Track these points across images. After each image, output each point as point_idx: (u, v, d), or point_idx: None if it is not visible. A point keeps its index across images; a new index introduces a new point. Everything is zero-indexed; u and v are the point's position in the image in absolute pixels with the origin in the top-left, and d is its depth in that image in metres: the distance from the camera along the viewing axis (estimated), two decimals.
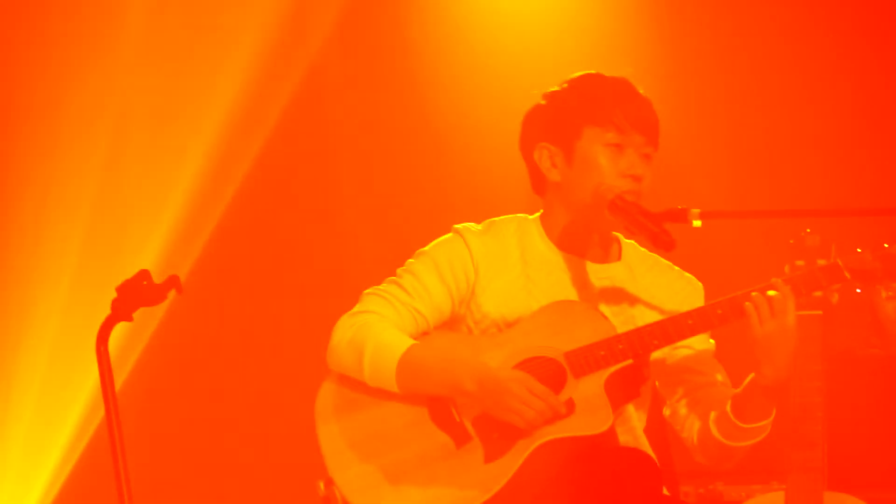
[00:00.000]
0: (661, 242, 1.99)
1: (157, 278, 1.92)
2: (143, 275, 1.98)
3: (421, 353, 1.99)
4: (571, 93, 2.07)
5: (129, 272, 1.96)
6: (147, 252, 3.55)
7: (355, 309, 2.07)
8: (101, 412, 2.24)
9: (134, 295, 1.98)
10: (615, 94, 2.06)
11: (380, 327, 2.04)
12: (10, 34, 3.54)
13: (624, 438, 2.02)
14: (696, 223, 1.98)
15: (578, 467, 1.91)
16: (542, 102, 2.10)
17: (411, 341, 2.00)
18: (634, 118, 2.01)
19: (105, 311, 1.91)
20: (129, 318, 1.99)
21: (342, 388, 2.03)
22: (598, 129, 2.00)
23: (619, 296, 2.08)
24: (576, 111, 2.04)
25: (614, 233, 2.12)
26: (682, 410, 2.07)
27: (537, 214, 2.13)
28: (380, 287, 2.08)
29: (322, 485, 1.99)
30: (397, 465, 2.00)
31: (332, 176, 3.70)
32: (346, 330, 2.03)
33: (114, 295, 1.98)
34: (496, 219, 2.15)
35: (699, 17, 3.80)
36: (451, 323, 2.07)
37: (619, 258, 2.11)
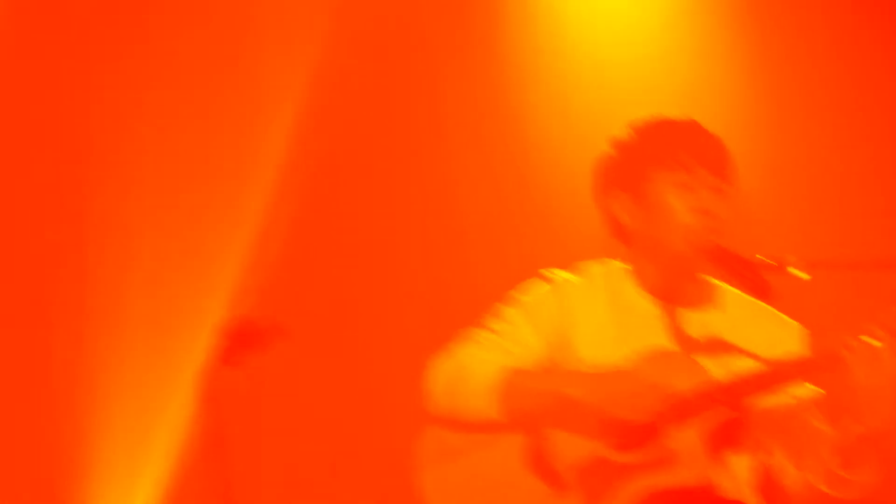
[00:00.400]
0: (759, 291, 1.99)
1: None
2: (249, 322, 2.09)
3: (523, 373, 2.03)
4: (638, 139, 2.10)
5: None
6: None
7: (448, 352, 2.12)
8: None
9: (241, 342, 2.09)
10: (680, 136, 2.08)
11: (477, 362, 2.08)
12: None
13: (727, 489, 2.00)
14: (803, 276, 1.98)
15: None
16: (610, 151, 2.14)
17: (511, 368, 2.03)
18: (701, 156, 2.02)
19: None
20: (235, 364, 2.10)
21: (442, 435, 2.09)
22: (667, 172, 2.02)
23: (715, 344, 2.05)
24: (643, 157, 2.07)
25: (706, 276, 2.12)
26: (785, 461, 2.06)
27: (625, 262, 2.15)
28: (473, 331, 2.13)
29: None
30: None
31: (412, 205, 3.83)
32: (442, 371, 2.08)
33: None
34: (585, 264, 2.17)
35: (802, 46, 3.81)
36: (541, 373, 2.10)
37: (713, 303, 2.10)
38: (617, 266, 2.16)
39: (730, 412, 1.95)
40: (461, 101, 3.85)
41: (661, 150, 2.12)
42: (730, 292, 2.15)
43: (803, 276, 1.99)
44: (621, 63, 3.82)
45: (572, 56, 3.90)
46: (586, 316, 2.10)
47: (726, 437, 1.98)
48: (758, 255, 2.06)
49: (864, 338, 1.89)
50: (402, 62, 3.89)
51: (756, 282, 1.96)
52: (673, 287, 2.08)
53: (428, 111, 3.88)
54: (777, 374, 1.94)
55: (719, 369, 2.00)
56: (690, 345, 2.05)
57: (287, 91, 3.88)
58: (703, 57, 3.80)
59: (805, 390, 2.06)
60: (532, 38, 3.90)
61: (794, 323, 2.17)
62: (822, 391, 2.07)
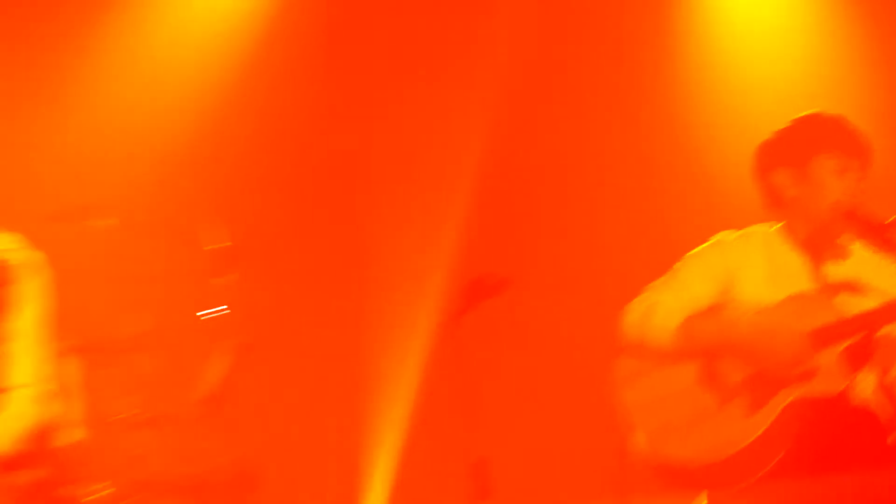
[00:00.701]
0: (888, 248, 2.58)
1: None
2: (484, 278, 2.79)
3: (696, 317, 2.63)
4: (802, 129, 2.72)
5: None
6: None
7: (639, 298, 2.76)
8: None
9: (479, 292, 2.79)
10: (836, 128, 2.70)
11: (660, 307, 2.70)
12: None
13: (855, 398, 2.57)
14: None
15: (817, 423, 2.50)
16: (776, 138, 2.75)
17: (687, 313, 2.65)
18: (851, 146, 2.64)
19: None
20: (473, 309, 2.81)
21: (633, 361, 2.73)
22: (825, 157, 2.63)
23: (849, 287, 2.64)
24: (808, 143, 2.68)
25: (844, 238, 2.70)
26: None
27: (778, 225, 2.75)
28: (658, 281, 2.77)
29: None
30: (679, 418, 2.64)
31: (606, 179, 4.60)
32: (634, 312, 2.72)
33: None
34: (751, 229, 2.80)
35: None
36: (711, 311, 2.73)
37: (848, 257, 2.69)
38: (771, 228, 2.77)
39: (858, 339, 2.52)
40: (640, 93, 4.60)
41: (822, 139, 2.74)
42: (861, 248, 2.72)
43: None
44: (767, 63, 4.49)
45: (729, 58, 4.59)
46: (746, 267, 2.71)
47: (856, 358, 2.54)
48: (889, 220, 2.62)
49: None
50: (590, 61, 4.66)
51: (888, 243, 2.55)
52: (818, 244, 2.68)
53: (617, 99, 4.61)
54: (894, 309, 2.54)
55: (852, 307, 2.58)
56: (829, 289, 2.65)
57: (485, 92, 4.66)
58: (834, 59, 4.41)
59: None
60: (698, 44, 4.63)
61: None
62: None
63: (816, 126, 2.78)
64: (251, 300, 3.49)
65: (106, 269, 3.39)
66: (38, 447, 2.75)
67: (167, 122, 4.32)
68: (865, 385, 2.66)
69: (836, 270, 2.72)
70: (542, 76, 4.77)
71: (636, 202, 4.55)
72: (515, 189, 4.83)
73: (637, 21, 4.68)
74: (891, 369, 2.70)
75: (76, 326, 2.97)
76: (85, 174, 3.97)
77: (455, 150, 4.75)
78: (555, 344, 4.39)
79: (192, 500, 3.62)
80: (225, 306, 3.39)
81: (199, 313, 3.42)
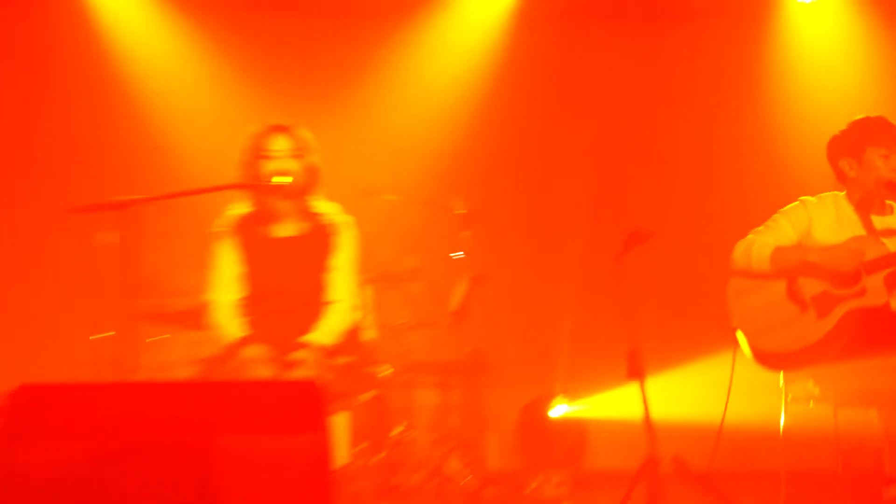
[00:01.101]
0: None
1: None
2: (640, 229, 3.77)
3: (784, 248, 3.51)
4: (857, 129, 3.61)
5: None
6: None
7: (745, 238, 3.61)
8: None
9: (634, 240, 3.78)
10: (882, 127, 3.57)
11: (759, 243, 3.56)
12: None
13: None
14: None
15: (867, 325, 3.36)
16: (842, 134, 3.63)
17: (778, 246, 3.54)
18: (892, 139, 3.52)
19: None
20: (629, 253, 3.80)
21: (739, 280, 3.62)
22: (875, 147, 3.52)
23: (890, 232, 3.52)
24: (862, 138, 3.57)
25: (888, 201, 3.58)
26: None
27: (844, 192, 3.61)
28: (758, 228, 3.64)
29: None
30: (770, 322, 3.56)
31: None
32: (741, 245, 3.59)
33: None
34: (824, 194, 3.68)
35: None
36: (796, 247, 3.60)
37: (892, 213, 3.57)
38: (839, 194, 3.65)
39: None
40: (744, 101, 5.65)
41: (871, 135, 3.65)
42: None
43: None
44: (831, 80, 5.51)
45: (804, 76, 5.65)
46: (820, 218, 3.60)
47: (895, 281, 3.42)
48: None
49: None
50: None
51: None
52: (869, 205, 3.57)
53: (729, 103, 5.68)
54: None
55: (891, 246, 3.42)
56: (876, 234, 3.53)
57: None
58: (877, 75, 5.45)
59: None
60: (784, 51, 5.66)
61: None
62: None
63: (866, 126, 3.66)
64: (481, 248, 4.70)
65: (390, 228, 4.66)
66: (349, 341, 3.66)
67: (432, 124, 5.62)
68: None
69: (881, 222, 3.61)
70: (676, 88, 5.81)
71: (745, 179, 5.54)
72: (660, 174, 5.86)
73: (736, 48, 5.76)
74: None
75: (371, 264, 4.03)
76: (377, 163, 5.30)
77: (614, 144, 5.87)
78: (687, 276, 5.34)
79: (443, 378, 4.89)
80: (463, 252, 4.64)
81: (450, 255, 4.68)
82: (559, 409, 5.37)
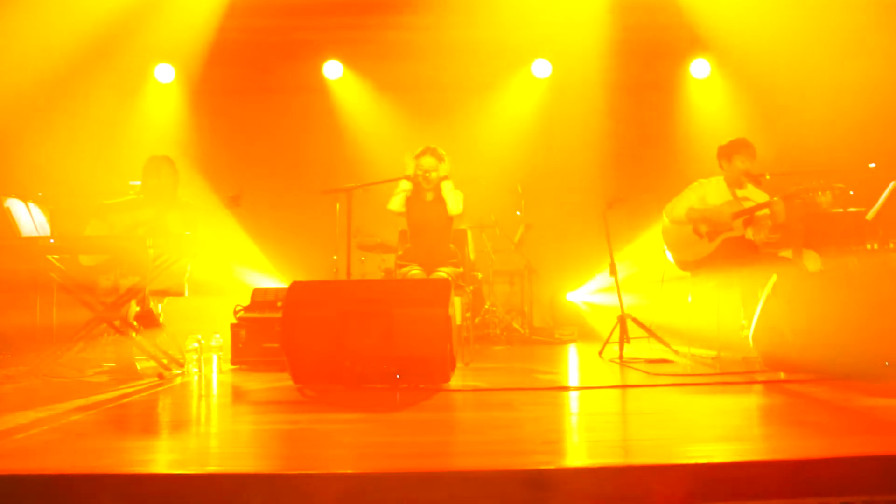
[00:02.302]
0: (759, 185, 5.25)
1: None
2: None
3: (692, 209, 5.11)
4: (734, 142, 5.27)
5: None
6: None
7: (670, 203, 5.27)
8: None
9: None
10: (745, 143, 5.24)
11: (679, 204, 5.17)
12: None
13: (747, 237, 5.19)
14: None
15: (734, 246, 5.10)
16: (724, 144, 5.29)
17: (689, 207, 5.14)
18: (750, 152, 5.21)
19: None
20: None
21: (668, 225, 5.32)
22: (739, 156, 5.24)
23: (746, 199, 5.22)
24: (735, 148, 5.26)
25: (745, 182, 5.24)
26: (759, 231, 5.23)
27: (722, 176, 5.30)
28: (676, 197, 5.28)
29: None
30: (684, 245, 5.22)
31: None
32: (668, 206, 5.21)
33: None
34: (711, 178, 5.36)
35: None
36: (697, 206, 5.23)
37: (746, 188, 5.27)
38: (719, 178, 5.33)
39: (749, 216, 5.14)
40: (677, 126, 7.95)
41: (740, 147, 5.30)
42: (751, 186, 5.25)
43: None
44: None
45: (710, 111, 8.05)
46: (710, 191, 5.30)
47: (747, 221, 5.17)
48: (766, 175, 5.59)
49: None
50: None
51: (758, 181, 5.26)
52: (735, 184, 5.26)
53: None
54: (759, 207, 5.13)
55: (746, 205, 5.16)
56: (738, 199, 5.25)
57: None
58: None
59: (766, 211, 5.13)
60: (689, 103, 8.17)
61: (765, 194, 5.21)
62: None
63: (738, 142, 5.28)
64: (531, 210, 7.24)
65: (482, 199, 7.14)
66: (462, 258, 5.41)
67: (503, 147, 8.39)
68: (750, 233, 5.27)
69: (741, 193, 5.31)
70: None
71: (672, 169, 7.33)
72: (629, 170, 8.15)
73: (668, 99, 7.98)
74: (760, 229, 5.22)
75: (471, 218, 6.24)
76: (476, 167, 7.29)
77: None
78: (642, 222, 7.08)
79: (510, 278, 7.14)
80: (520, 211, 6.86)
81: (515, 213, 6.99)
82: (570, 295, 7.81)
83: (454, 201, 5.31)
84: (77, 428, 2.89)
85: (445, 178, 5.45)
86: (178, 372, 4.64)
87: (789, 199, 4.99)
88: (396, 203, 5.38)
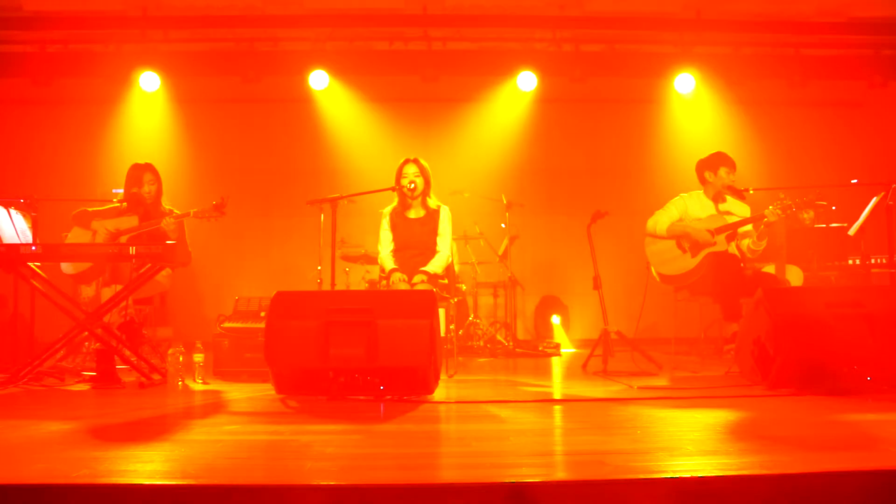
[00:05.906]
0: (742, 199, 5.49)
1: None
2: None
3: (674, 223, 5.28)
4: (715, 156, 5.46)
5: None
6: None
7: (653, 216, 5.43)
8: None
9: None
10: (726, 157, 5.42)
11: (661, 219, 5.36)
12: None
13: (730, 251, 5.29)
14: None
15: (718, 260, 5.22)
16: (704, 158, 5.46)
17: (671, 221, 5.31)
18: (731, 165, 5.38)
19: None
20: None
21: (650, 239, 5.48)
22: (722, 168, 5.40)
23: (728, 213, 5.40)
24: (717, 162, 5.44)
25: (727, 196, 5.41)
26: (747, 243, 5.33)
27: (702, 190, 5.45)
28: (658, 211, 5.43)
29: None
30: (666, 259, 5.38)
31: None
32: (650, 220, 5.42)
33: None
34: (692, 192, 5.50)
35: None
36: (678, 221, 5.38)
37: (727, 202, 5.42)
38: (700, 192, 5.49)
39: (730, 231, 5.29)
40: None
41: (722, 160, 5.44)
42: (733, 200, 5.42)
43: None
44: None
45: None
46: (693, 205, 5.46)
47: (730, 237, 5.32)
48: (752, 190, 5.66)
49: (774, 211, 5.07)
50: None
51: (741, 196, 5.41)
52: (717, 198, 5.44)
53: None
54: (744, 222, 5.31)
55: (728, 220, 5.34)
56: (721, 213, 5.44)
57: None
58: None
59: (750, 228, 5.30)
60: (673, 118, 8.48)
61: (748, 207, 5.35)
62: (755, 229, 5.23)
63: (719, 156, 5.43)
64: (515, 221, 7.14)
65: (466, 211, 7.20)
66: (447, 271, 5.37)
67: (489, 156, 8.63)
68: (733, 247, 5.38)
69: (723, 207, 5.45)
70: None
71: (654, 185, 7.53)
72: (612, 183, 8.29)
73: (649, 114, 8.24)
74: (741, 242, 5.35)
75: (457, 230, 6.12)
76: (460, 177, 7.62)
77: None
78: (625, 237, 7.14)
79: (494, 290, 7.12)
80: (505, 224, 6.92)
81: (500, 225, 6.98)
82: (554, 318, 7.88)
83: (441, 260, 5.31)
84: (56, 437, 2.85)
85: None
86: (160, 380, 4.61)
87: (785, 208, 5.08)
88: (387, 263, 5.34)
